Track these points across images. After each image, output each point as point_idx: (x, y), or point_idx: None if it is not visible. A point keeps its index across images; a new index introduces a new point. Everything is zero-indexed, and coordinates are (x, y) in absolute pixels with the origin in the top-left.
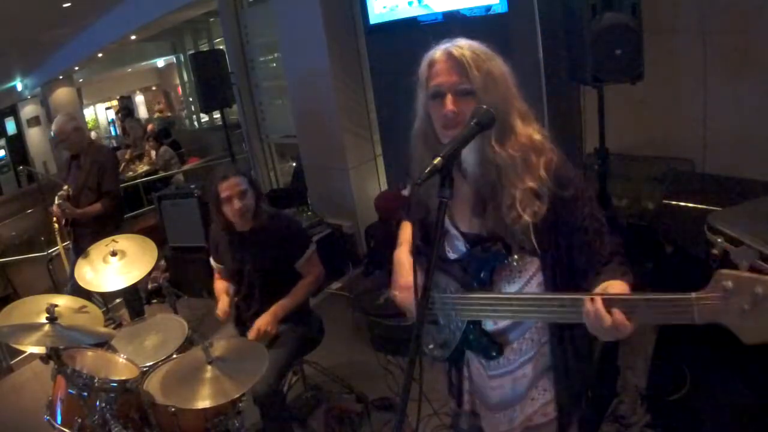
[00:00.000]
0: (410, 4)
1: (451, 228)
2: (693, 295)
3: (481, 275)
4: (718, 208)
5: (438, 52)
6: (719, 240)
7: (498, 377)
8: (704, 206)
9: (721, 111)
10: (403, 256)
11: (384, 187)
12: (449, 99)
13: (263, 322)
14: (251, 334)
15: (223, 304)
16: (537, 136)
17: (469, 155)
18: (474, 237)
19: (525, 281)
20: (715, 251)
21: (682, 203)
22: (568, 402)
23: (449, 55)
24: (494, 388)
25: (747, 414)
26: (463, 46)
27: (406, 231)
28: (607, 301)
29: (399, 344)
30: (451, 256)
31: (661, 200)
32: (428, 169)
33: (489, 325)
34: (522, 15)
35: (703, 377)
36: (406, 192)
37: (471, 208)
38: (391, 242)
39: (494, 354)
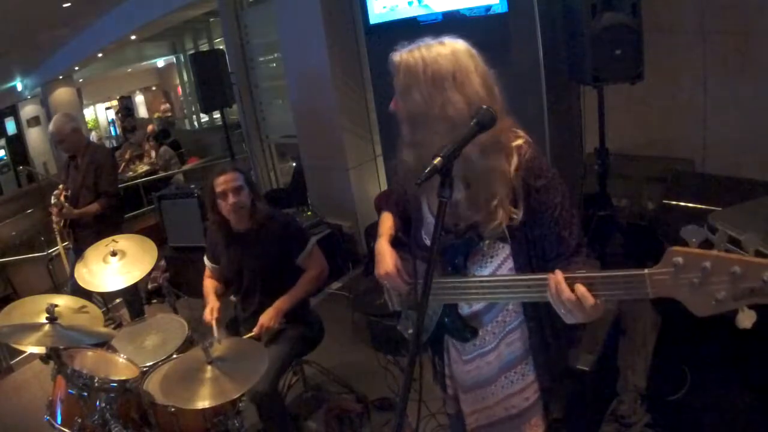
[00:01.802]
0: (410, 4)
1: (428, 215)
2: (646, 271)
3: (456, 260)
4: (718, 208)
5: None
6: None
7: (472, 360)
8: (704, 206)
9: (721, 111)
10: (384, 246)
11: (384, 187)
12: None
13: (267, 318)
14: (255, 330)
15: (210, 307)
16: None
17: None
18: (449, 224)
19: (496, 266)
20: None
21: (682, 203)
22: (550, 381)
23: (395, 65)
24: (469, 371)
25: (747, 414)
26: (407, 52)
27: (386, 222)
28: (569, 279)
29: (399, 344)
30: (428, 242)
31: (661, 200)
32: (428, 169)
33: (464, 309)
34: (522, 15)
35: (703, 377)
36: None
37: None
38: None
39: (469, 336)
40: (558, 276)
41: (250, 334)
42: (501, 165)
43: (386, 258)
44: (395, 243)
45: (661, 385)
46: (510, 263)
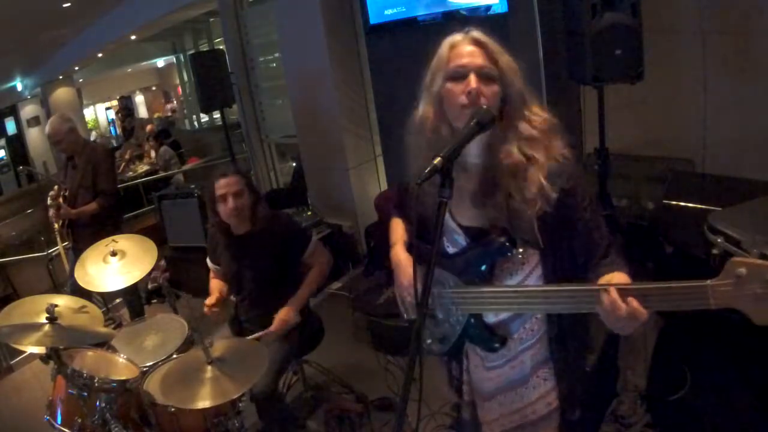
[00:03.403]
0: (410, 3)
1: (450, 222)
2: (708, 282)
3: (482, 268)
4: (718, 208)
5: (459, 36)
6: (719, 240)
7: (496, 368)
8: (704, 206)
9: (721, 111)
10: (401, 255)
11: (384, 187)
12: (473, 77)
13: (285, 313)
14: (273, 326)
15: (211, 298)
16: (552, 120)
17: (473, 146)
18: (474, 231)
19: (526, 274)
20: (715, 251)
21: (682, 203)
22: (569, 389)
23: (474, 39)
24: (491, 378)
25: (747, 414)
26: (485, 35)
27: (398, 229)
28: (623, 290)
29: (399, 344)
30: (451, 250)
31: (661, 200)
32: (428, 169)
33: (490, 318)
34: (522, 15)
35: (703, 377)
36: None
37: (471, 201)
38: (389, 242)
39: (497, 346)
40: (612, 292)
41: (266, 331)
42: (539, 159)
43: (407, 268)
44: (410, 250)
45: (661, 385)
46: (539, 270)
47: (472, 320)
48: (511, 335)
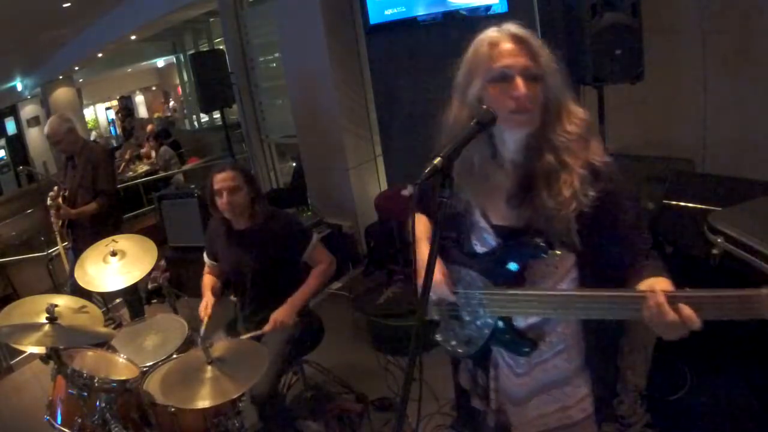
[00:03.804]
0: (410, 3)
1: (481, 220)
2: (764, 291)
3: (513, 269)
4: (718, 208)
5: (497, 33)
6: (719, 240)
7: (527, 374)
8: (704, 206)
9: (721, 111)
10: (425, 254)
11: (384, 187)
12: (520, 82)
13: (281, 314)
14: (268, 326)
15: (205, 302)
16: (590, 121)
17: (510, 142)
18: (506, 230)
19: (560, 277)
20: (715, 251)
21: (682, 203)
22: (603, 396)
23: (516, 37)
24: (522, 383)
25: (747, 414)
26: (523, 30)
27: (421, 226)
28: (672, 297)
29: (399, 344)
30: (479, 250)
31: (661, 200)
32: (428, 169)
33: (519, 321)
34: (522, 15)
35: (703, 377)
36: (406, 192)
37: (506, 199)
38: (391, 242)
39: (527, 351)
40: (659, 297)
41: (260, 331)
42: (576, 162)
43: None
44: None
45: (661, 385)
46: (574, 273)
47: (501, 323)
48: (542, 338)
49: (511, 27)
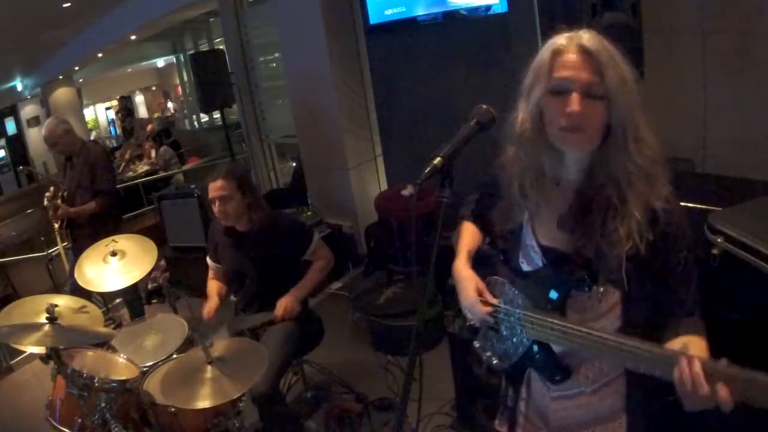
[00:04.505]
0: (410, 3)
1: (529, 238)
2: None
3: (554, 297)
4: (718, 208)
5: (566, 40)
6: (719, 240)
7: (561, 399)
8: (704, 206)
9: (721, 111)
10: (463, 271)
11: (384, 187)
12: (575, 98)
13: (287, 300)
14: (278, 311)
15: (210, 305)
16: (661, 152)
17: (570, 161)
18: (553, 253)
19: (601, 313)
20: (715, 251)
21: (682, 203)
22: None
23: (583, 48)
24: (556, 410)
25: (747, 414)
26: (595, 40)
27: (465, 236)
28: (710, 372)
29: (399, 344)
30: (525, 268)
31: None
32: (428, 169)
33: (556, 346)
34: (522, 15)
35: None
36: (406, 192)
37: (559, 221)
38: (391, 242)
39: (558, 378)
40: (695, 367)
41: (271, 316)
42: (637, 199)
43: (467, 286)
44: (477, 258)
45: (661, 384)
46: (617, 311)
47: (537, 346)
48: (577, 369)
49: (584, 36)
